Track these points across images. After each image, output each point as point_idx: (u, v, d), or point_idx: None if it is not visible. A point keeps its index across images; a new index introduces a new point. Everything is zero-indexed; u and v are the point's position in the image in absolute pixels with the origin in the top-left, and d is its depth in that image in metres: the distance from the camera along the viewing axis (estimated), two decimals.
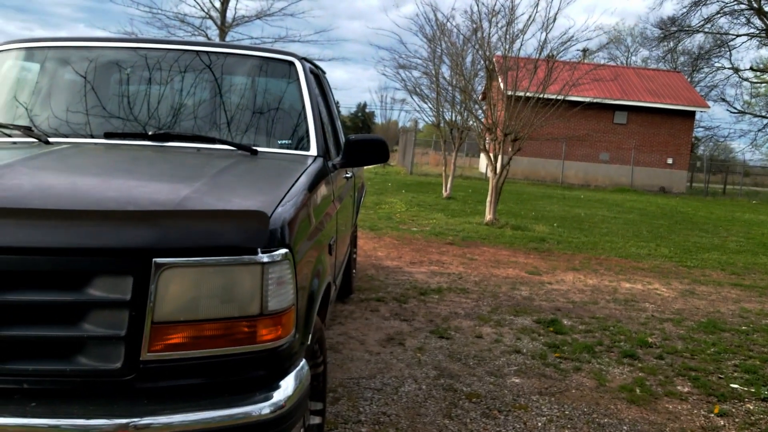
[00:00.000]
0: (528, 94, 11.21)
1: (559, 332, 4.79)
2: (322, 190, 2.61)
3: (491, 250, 8.40)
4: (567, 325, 4.99)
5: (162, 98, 2.95)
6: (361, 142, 3.11)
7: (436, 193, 16.60)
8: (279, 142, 2.92)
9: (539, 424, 3.22)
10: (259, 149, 2.78)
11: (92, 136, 2.74)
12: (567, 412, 3.38)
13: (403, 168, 28.43)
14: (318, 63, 4.22)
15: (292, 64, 3.18)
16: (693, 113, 27.93)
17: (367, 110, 71.38)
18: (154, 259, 1.57)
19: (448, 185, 16.01)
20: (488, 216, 11.18)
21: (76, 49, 3.08)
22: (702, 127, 41.39)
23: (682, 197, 24.94)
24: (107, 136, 2.74)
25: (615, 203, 18.53)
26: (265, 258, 1.67)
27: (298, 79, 3.12)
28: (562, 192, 21.89)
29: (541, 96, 11.07)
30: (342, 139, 4.26)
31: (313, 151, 2.90)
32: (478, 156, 32.87)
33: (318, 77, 3.69)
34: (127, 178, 2.07)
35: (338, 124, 4.22)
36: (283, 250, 1.73)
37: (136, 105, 2.93)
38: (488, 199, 11.33)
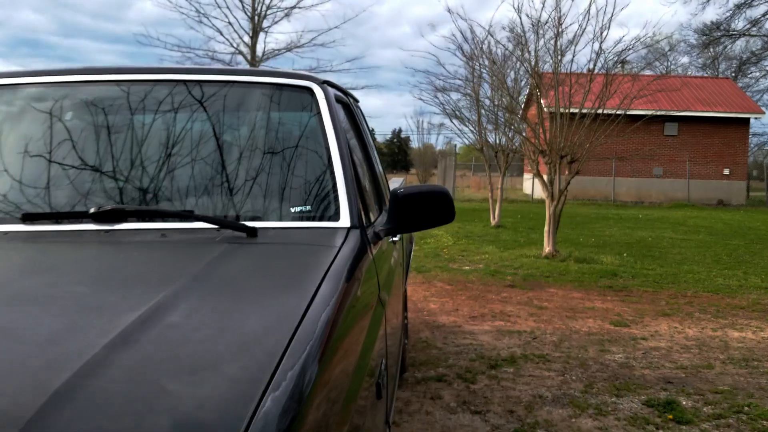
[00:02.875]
0: (584, 110, 10.11)
1: (681, 420, 3.64)
2: (360, 290, 1.59)
3: (560, 293, 7.25)
4: (688, 408, 3.84)
5: (116, 153, 1.97)
6: (414, 198, 2.10)
7: (483, 221, 15.47)
8: (293, 210, 1.91)
9: None
10: (261, 225, 1.78)
11: (8, 219, 1.79)
12: None
13: None
14: (350, 90, 3.24)
15: (310, 92, 2.17)
16: (747, 120, 26.30)
17: (402, 135, 70.82)
18: None
19: (496, 212, 14.87)
20: (547, 248, 10.03)
21: None
22: (755, 134, 39.46)
23: (744, 210, 23.28)
24: (26, 219, 1.76)
25: (677, 221, 17.12)
26: None
27: (319, 113, 2.11)
28: (616, 211, 20.53)
29: (600, 111, 9.95)
30: (384, 185, 3.23)
31: (345, 220, 1.88)
32: (521, 175, 31.61)
33: (348, 107, 2.68)
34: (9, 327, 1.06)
35: (378, 166, 3.20)
36: None
37: (78, 167, 1.95)
38: (546, 228, 10.18)
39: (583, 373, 4.43)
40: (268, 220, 1.84)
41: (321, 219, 1.89)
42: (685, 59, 51.89)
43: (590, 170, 25.03)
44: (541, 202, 18.57)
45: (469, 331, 5.47)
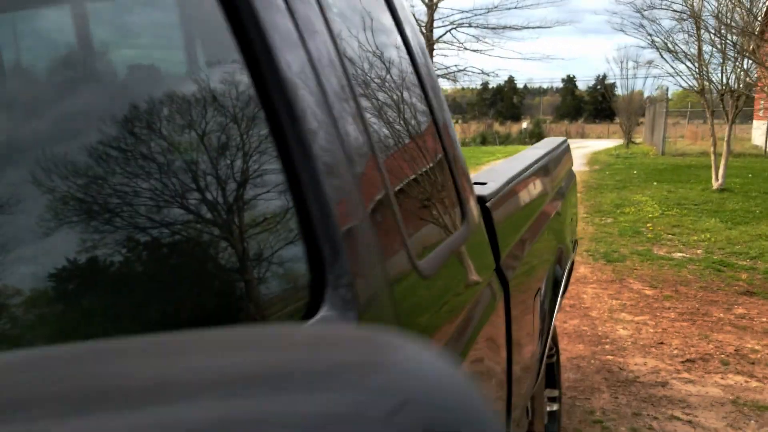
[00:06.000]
0: None
1: None
2: None
3: None
4: None
5: None
6: None
7: (701, 182, 12.29)
8: None
9: None
10: None
11: None
12: None
13: (651, 147, 23.62)
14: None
15: None
16: None
17: (606, 82, 65.24)
18: None
19: (720, 171, 11.62)
20: None
21: None
22: None
23: None
24: None
25: None
26: None
27: None
28: None
29: None
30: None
31: None
32: (750, 122, 26.50)
33: None
34: None
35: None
36: None
37: None
38: None
39: None
40: None
41: None
42: None
43: None
44: None
45: (682, 399, 3.16)
